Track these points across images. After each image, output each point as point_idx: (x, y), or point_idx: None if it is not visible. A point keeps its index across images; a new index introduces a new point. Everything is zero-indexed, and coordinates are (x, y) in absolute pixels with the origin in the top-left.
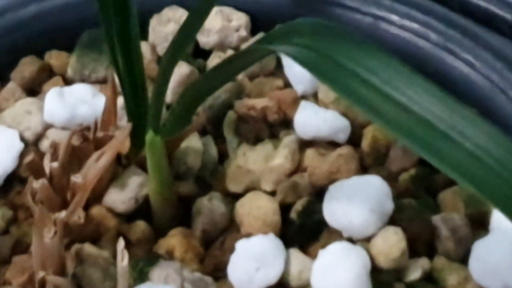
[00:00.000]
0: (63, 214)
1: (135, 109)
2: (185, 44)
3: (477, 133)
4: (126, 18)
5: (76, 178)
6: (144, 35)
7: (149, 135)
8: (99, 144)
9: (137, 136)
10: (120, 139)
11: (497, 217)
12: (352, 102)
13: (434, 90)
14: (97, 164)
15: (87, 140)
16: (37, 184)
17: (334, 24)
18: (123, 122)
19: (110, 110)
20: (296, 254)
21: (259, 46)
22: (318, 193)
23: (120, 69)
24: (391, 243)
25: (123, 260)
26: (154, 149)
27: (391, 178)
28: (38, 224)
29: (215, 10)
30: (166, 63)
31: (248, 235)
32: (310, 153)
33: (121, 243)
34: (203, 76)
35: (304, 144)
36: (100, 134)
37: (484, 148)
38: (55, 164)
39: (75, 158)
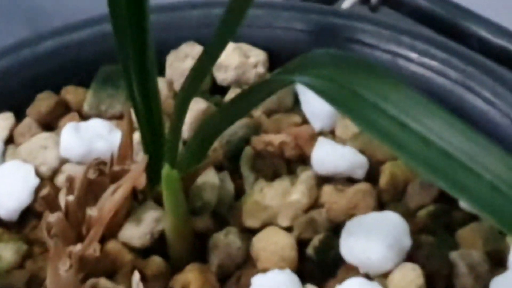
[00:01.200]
0: (78, 247)
1: (151, 144)
2: (201, 79)
3: (497, 163)
4: (144, 54)
5: (92, 212)
6: (161, 71)
7: (166, 169)
8: (115, 178)
9: (153, 171)
10: (137, 173)
11: None
12: (371, 133)
13: (453, 121)
14: (113, 198)
15: (103, 174)
16: (52, 217)
17: (352, 54)
18: (139, 157)
19: (126, 145)
20: None
21: (277, 77)
22: (335, 229)
23: (137, 104)
24: (409, 279)
25: None
26: (171, 184)
27: (409, 215)
28: (53, 257)
29: (233, 46)
30: (182, 98)
31: (265, 270)
32: (327, 189)
33: (136, 276)
34: (220, 109)
35: (322, 180)
36: (116, 168)
37: (505, 179)
38: (71, 198)
39: (91, 192)
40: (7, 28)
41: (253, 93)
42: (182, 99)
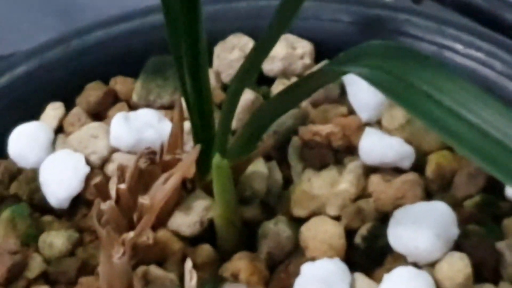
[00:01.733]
0: (131, 234)
1: (202, 134)
2: (252, 72)
3: None
4: (196, 45)
5: (144, 200)
6: (209, 62)
7: (216, 158)
8: (166, 167)
9: (203, 161)
10: (188, 162)
11: None
12: (426, 123)
13: (507, 112)
14: (164, 186)
15: (154, 163)
16: (104, 205)
17: (405, 46)
18: (188, 147)
19: (176, 134)
20: (361, 278)
21: (330, 67)
22: (383, 219)
23: (188, 94)
24: (456, 268)
25: (191, 279)
26: (221, 173)
27: (456, 204)
28: (105, 245)
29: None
30: (233, 90)
31: (313, 258)
32: (375, 178)
33: (188, 263)
34: (271, 100)
35: (369, 170)
36: (167, 157)
37: None
38: (123, 186)
39: (142, 180)
40: (41, 21)
41: (305, 84)
42: (234, 91)
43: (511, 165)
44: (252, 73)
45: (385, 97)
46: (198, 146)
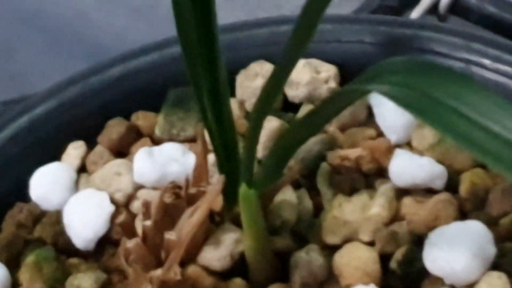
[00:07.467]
0: (159, 271)
1: (227, 165)
2: (274, 97)
3: None
4: (216, 75)
5: (170, 235)
6: (232, 91)
7: (243, 188)
8: (191, 200)
9: (229, 192)
10: (214, 193)
11: None
12: (453, 138)
13: None
14: (191, 220)
15: (179, 197)
16: (130, 243)
17: (427, 60)
18: (214, 179)
19: (201, 167)
20: None
21: (351, 87)
22: (418, 241)
23: (210, 125)
24: None
25: None
26: (248, 203)
27: (491, 223)
28: (133, 283)
29: (303, 62)
30: (256, 117)
31: (348, 286)
32: (407, 201)
33: None
34: (294, 125)
35: (401, 192)
36: (192, 190)
37: None
38: (148, 223)
39: (168, 216)
40: (70, 64)
41: (327, 107)
42: (256, 118)
43: None
44: (273, 98)
45: (409, 114)
46: (223, 177)
